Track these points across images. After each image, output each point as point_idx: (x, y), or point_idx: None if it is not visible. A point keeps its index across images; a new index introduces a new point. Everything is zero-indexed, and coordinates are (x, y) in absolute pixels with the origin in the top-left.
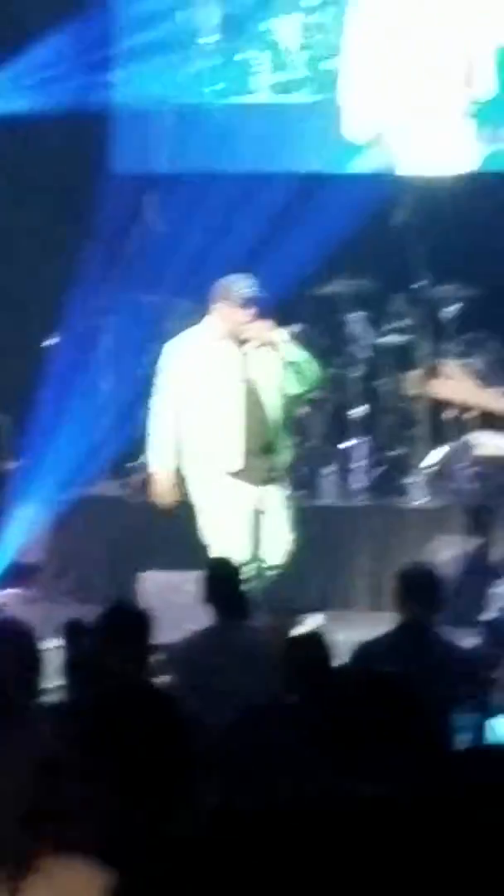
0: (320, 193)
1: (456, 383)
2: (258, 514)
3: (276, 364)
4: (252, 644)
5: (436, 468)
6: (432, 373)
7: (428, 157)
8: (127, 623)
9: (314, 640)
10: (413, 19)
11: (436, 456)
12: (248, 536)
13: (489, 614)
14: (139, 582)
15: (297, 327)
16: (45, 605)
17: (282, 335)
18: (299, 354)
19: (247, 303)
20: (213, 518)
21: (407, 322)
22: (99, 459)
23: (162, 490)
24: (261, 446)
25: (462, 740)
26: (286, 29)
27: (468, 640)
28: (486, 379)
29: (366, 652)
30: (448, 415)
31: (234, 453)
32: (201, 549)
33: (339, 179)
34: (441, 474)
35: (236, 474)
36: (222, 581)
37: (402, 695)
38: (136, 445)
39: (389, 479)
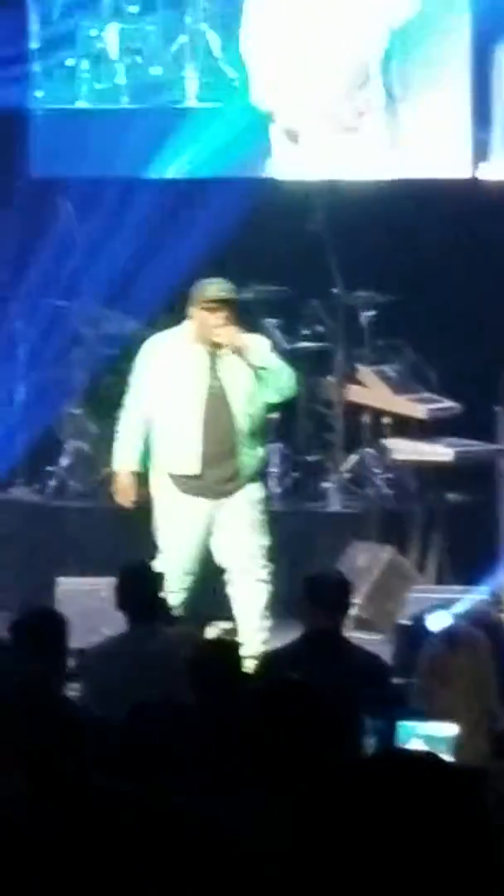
0: (231, 197)
1: (370, 389)
2: (212, 521)
3: (246, 370)
4: (163, 651)
5: (350, 474)
6: (347, 378)
7: (344, 161)
8: (42, 627)
9: (219, 647)
10: (311, 22)
11: (350, 461)
12: (196, 544)
13: (403, 619)
14: (55, 587)
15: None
16: None
17: (255, 340)
18: (271, 361)
19: (216, 306)
20: (164, 522)
21: (322, 328)
22: (11, 464)
23: (121, 489)
24: (220, 452)
25: (370, 745)
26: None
27: (381, 646)
28: (400, 385)
29: (274, 658)
30: (363, 420)
31: (192, 458)
32: (118, 554)
33: (251, 183)
34: (356, 480)
35: (192, 479)
36: (135, 587)
37: (307, 700)
38: (50, 449)
39: (304, 484)
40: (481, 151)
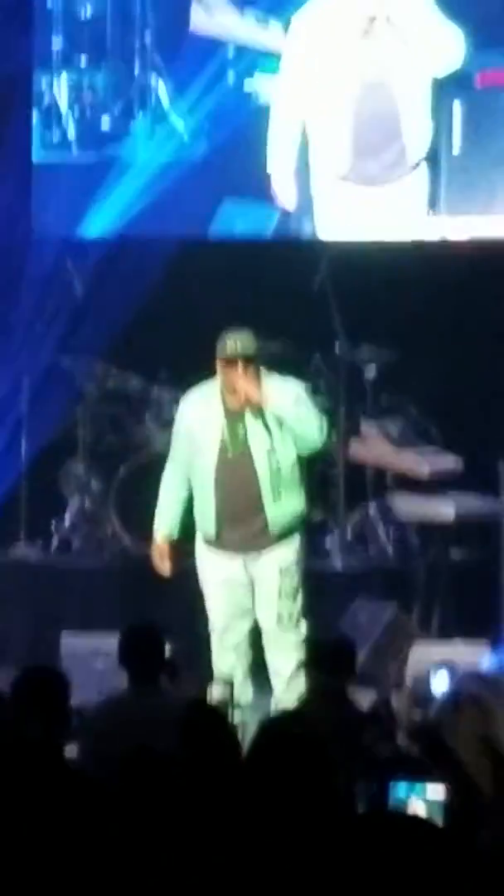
0: (234, 254)
1: (373, 446)
2: (248, 577)
3: (264, 424)
4: (164, 711)
5: (353, 531)
6: (349, 435)
7: (349, 222)
8: (43, 686)
9: (214, 706)
10: (337, 81)
11: (353, 519)
12: (229, 602)
13: (408, 678)
14: (59, 644)
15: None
16: None
17: (279, 390)
18: (288, 412)
19: (233, 359)
20: (202, 582)
21: (324, 384)
22: (14, 522)
23: (156, 556)
24: (240, 511)
25: (367, 803)
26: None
27: (386, 703)
28: (403, 441)
29: (278, 720)
30: (365, 477)
31: (207, 520)
32: (122, 611)
33: (250, 243)
34: (358, 537)
35: (213, 543)
36: (138, 645)
37: (309, 760)
38: (53, 506)
39: (308, 541)
40: None
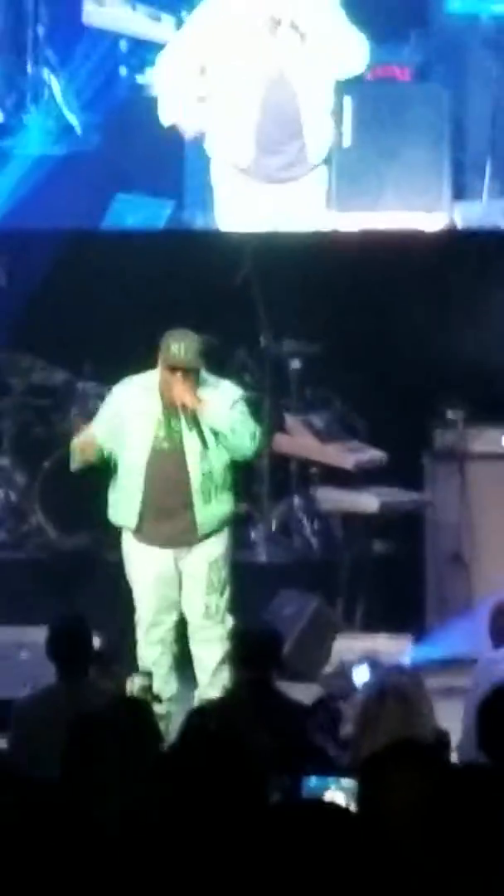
0: (157, 248)
1: (298, 439)
2: (174, 570)
3: (198, 428)
4: (93, 702)
5: (278, 523)
6: (274, 428)
7: (250, 218)
8: None
9: (135, 699)
10: (241, 73)
11: (278, 511)
12: (157, 594)
13: (329, 669)
14: None
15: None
16: None
17: (216, 398)
18: (221, 424)
19: (175, 365)
20: (129, 570)
21: (249, 377)
22: None
23: (83, 444)
24: (169, 507)
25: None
26: None
27: (308, 695)
28: (328, 435)
29: (201, 712)
30: (290, 470)
31: (132, 511)
32: (45, 604)
33: (180, 232)
34: (283, 529)
35: (139, 536)
36: (66, 638)
37: (224, 751)
38: None
39: (233, 533)
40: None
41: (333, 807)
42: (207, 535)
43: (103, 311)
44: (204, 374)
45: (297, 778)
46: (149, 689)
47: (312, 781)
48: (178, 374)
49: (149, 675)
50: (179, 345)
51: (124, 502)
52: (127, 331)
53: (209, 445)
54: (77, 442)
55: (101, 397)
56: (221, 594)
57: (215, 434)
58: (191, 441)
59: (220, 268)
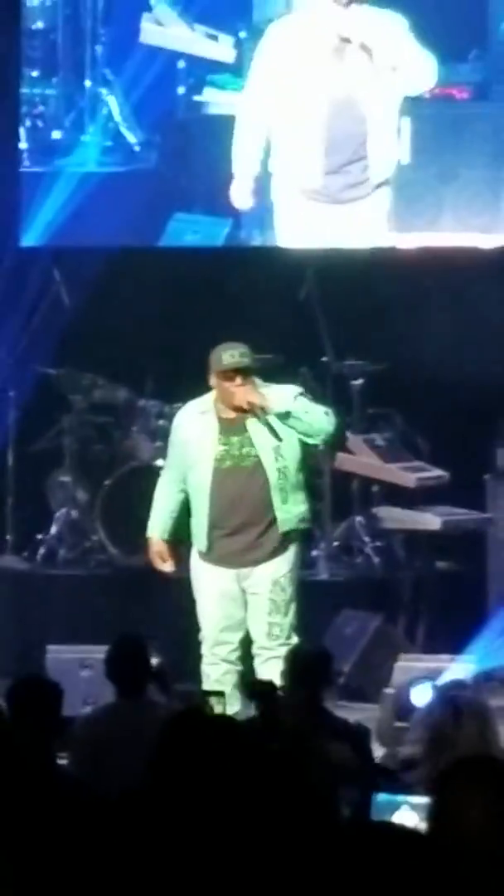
0: (220, 266)
1: (360, 457)
2: (229, 595)
3: (268, 428)
4: (150, 724)
5: (339, 542)
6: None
7: (311, 238)
8: (38, 695)
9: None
10: (307, 97)
11: (340, 529)
12: (222, 615)
13: (391, 689)
14: (45, 655)
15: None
16: None
17: (278, 391)
18: (293, 405)
19: (232, 373)
20: (196, 592)
21: (312, 396)
22: (2, 531)
23: (153, 554)
24: (233, 527)
25: (350, 814)
26: None
27: (369, 715)
28: (390, 454)
29: (254, 730)
30: (352, 489)
31: (201, 534)
32: (107, 622)
33: (243, 252)
34: (345, 548)
35: (207, 556)
36: (124, 658)
37: (289, 771)
38: (40, 517)
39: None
40: None
41: (405, 830)
42: (281, 544)
43: (165, 329)
44: (259, 381)
45: (368, 793)
46: (221, 709)
47: (381, 797)
48: (237, 379)
49: (221, 695)
50: (229, 351)
51: (195, 524)
52: (189, 349)
53: (281, 444)
54: (153, 558)
55: (163, 415)
56: (286, 614)
57: (286, 428)
58: (262, 444)
59: (283, 285)
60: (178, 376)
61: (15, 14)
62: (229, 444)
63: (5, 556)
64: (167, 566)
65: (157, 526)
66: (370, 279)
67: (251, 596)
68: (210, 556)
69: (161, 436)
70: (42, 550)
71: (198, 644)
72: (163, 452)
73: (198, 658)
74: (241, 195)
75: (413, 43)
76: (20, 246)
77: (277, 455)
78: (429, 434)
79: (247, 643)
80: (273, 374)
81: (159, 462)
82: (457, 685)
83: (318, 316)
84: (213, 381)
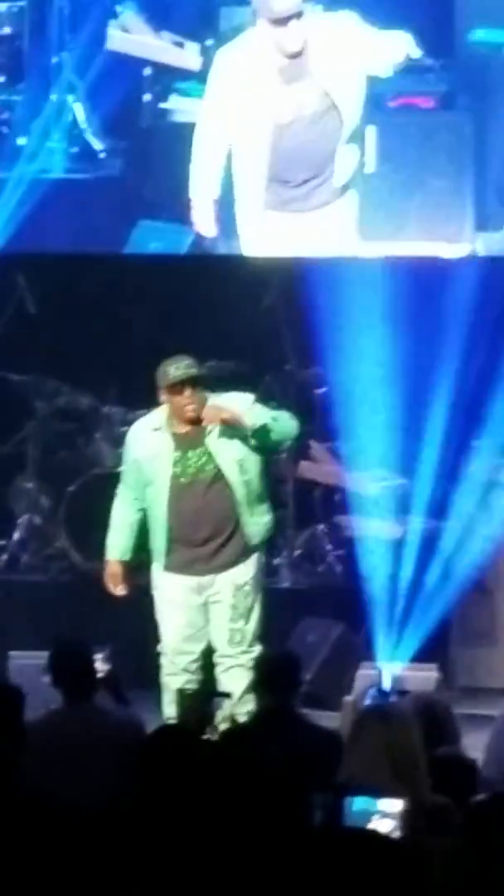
0: (184, 274)
1: (323, 465)
2: (191, 604)
3: (228, 438)
4: (99, 731)
5: (302, 550)
6: (300, 455)
7: (301, 241)
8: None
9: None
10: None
11: (302, 538)
12: (183, 623)
13: (351, 697)
14: (8, 662)
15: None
16: None
17: (236, 402)
18: (261, 416)
19: (180, 386)
20: (157, 601)
21: (274, 403)
22: None
23: (109, 576)
24: (192, 539)
25: (318, 820)
26: None
27: (331, 722)
28: (353, 462)
29: (226, 738)
30: (315, 497)
31: (160, 548)
32: (71, 628)
33: (207, 259)
34: (307, 556)
35: (168, 567)
36: (67, 664)
37: (253, 778)
38: (4, 523)
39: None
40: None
41: (379, 838)
42: (253, 549)
43: (129, 336)
44: (207, 392)
45: (339, 797)
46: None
47: (357, 803)
48: (186, 391)
49: (228, 696)
50: (174, 364)
51: (154, 540)
52: (153, 356)
53: (243, 454)
54: (107, 580)
55: (126, 422)
56: (248, 621)
57: (243, 440)
58: (224, 455)
59: (247, 293)
60: (142, 383)
61: None
62: (185, 458)
63: None
64: (120, 590)
65: (115, 547)
66: (333, 287)
67: (213, 604)
68: (171, 566)
69: (124, 442)
70: (4, 556)
71: (158, 654)
72: None
73: (158, 666)
74: (202, 221)
75: (370, 28)
76: None
77: (241, 468)
78: (391, 443)
79: (207, 654)
80: (237, 382)
81: (122, 468)
82: (382, 692)
83: (282, 324)
84: (163, 396)
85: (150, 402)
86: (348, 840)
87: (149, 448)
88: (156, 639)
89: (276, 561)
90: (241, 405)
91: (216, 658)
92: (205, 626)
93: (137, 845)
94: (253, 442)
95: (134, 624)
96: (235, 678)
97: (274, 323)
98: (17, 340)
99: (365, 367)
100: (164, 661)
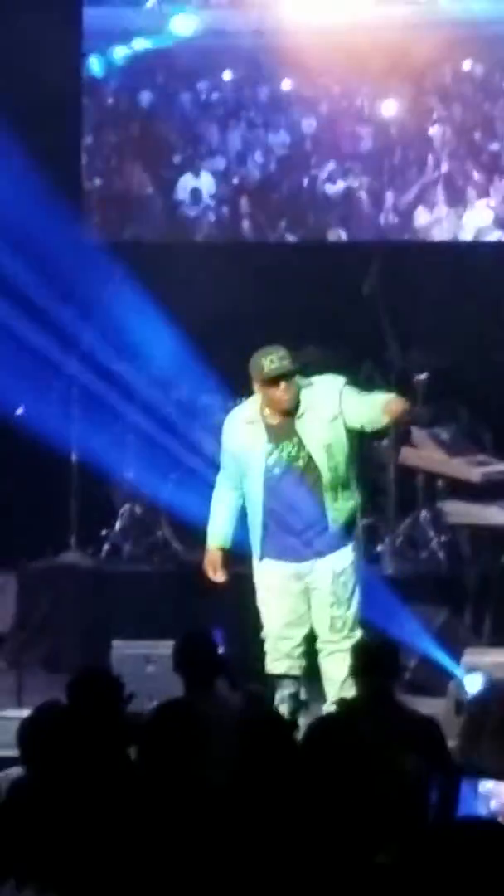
0: (288, 262)
1: (425, 452)
2: (291, 590)
3: (319, 423)
4: (219, 716)
5: (404, 537)
6: (401, 441)
7: (402, 224)
8: (98, 689)
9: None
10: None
11: (404, 524)
12: (279, 614)
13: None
14: (112, 651)
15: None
16: (13, 673)
17: (328, 392)
18: (350, 407)
19: (277, 380)
20: (258, 588)
21: (376, 390)
22: (64, 528)
23: (208, 564)
24: (289, 528)
25: (434, 804)
26: None
27: (434, 709)
28: (455, 448)
29: (325, 724)
30: (417, 483)
31: (257, 538)
32: (172, 617)
33: (306, 245)
34: (410, 543)
35: (269, 553)
36: (192, 650)
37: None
38: (104, 513)
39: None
40: None
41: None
42: (338, 539)
43: (232, 324)
44: (299, 377)
45: (456, 780)
46: (296, 695)
47: (476, 787)
48: (282, 384)
49: (297, 679)
50: (269, 357)
51: (251, 527)
52: (255, 344)
53: (331, 439)
54: (206, 567)
55: (227, 410)
56: (348, 607)
57: (331, 427)
58: (314, 440)
59: (348, 278)
60: (240, 372)
61: None
62: (280, 449)
63: (70, 553)
64: (219, 576)
65: (215, 534)
66: (436, 271)
67: (314, 591)
68: (269, 553)
69: None
70: (106, 546)
71: (262, 641)
72: None
73: (262, 655)
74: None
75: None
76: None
77: (329, 453)
78: (494, 427)
79: (310, 640)
80: (337, 369)
81: (221, 458)
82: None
83: (382, 309)
84: (256, 387)
85: (247, 392)
86: (470, 829)
87: (242, 441)
88: (258, 629)
89: (379, 548)
90: (333, 389)
91: (318, 644)
92: (306, 612)
93: (241, 831)
94: (346, 425)
95: (237, 613)
96: (337, 664)
97: (374, 308)
98: (114, 329)
99: (466, 352)
100: (267, 647)
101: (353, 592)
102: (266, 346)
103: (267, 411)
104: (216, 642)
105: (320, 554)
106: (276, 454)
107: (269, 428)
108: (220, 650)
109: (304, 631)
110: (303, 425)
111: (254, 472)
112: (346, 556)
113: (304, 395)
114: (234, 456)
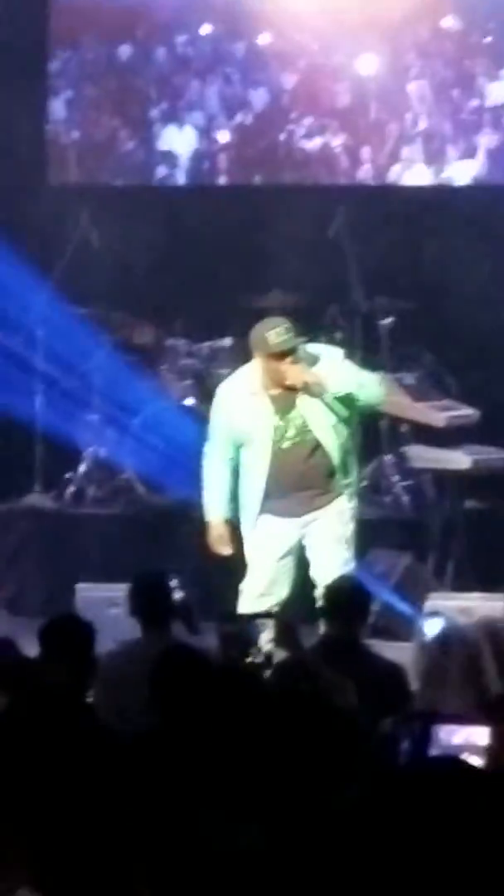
0: (251, 205)
1: (388, 396)
2: (299, 540)
3: (322, 403)
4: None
5: (368, 481)
6: None
7: (365, 170)
8: (70, 635)
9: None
10: None
11: (369, 469)
12: (268, 571)
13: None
14: (74, 594)
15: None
16: None
17: (329, 369)
18: (349, 384)
19: (282, 354)
20: (251, 546)
21: (340, 335)
22: (28, 471)
23: (216, 538)
24: (294, 495)
25: (406, 751)
26: None
27: (398, 653)
28: (419, 393)
29: (289, 666)
30: (381, 428)
31: (253, 511)
32: (136, 560)
33: (271, 190)
34: (374, 487)
35: (269, 510)
36: (148, 593)
37: (317, 710)
38: (68, 456)
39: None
40: None
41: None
42: (343, 492)
43: (193, 267)
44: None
45: (426, 726)
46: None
47: (443, 732)
48: (288, 359)
49: (270, 616)
50: (274, 331)
51: (248, 501)
52: (217, 287)
53: (337, 415)
54: (214, 542)
55: (191, 354)
56: (350, 547)
57: (339, 401)
58: (318, 420)
59: (313, 223)
60: (206, 316)
61: None
62: (286, 421)
63: (33, 496)
64: (227, 549)
65: (217, 507)
66: (403, 217)
67: (319, 536)
68: (269, 510)
69: (189, 375)
70: (70, 489)
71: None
72: (192, 391)
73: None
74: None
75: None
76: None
77: (337, 433)
78: (458, 373)
79: (289, 603)
80: (301, 314)
81: (189, 401)
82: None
83: (348, 254)
84: (258, 358)
85: (214, 334)
86: (441, 770)
87: (247, 413)
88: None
89: None
90: (331, 362)
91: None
92: (294, 573)
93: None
94: (338, 406)
95: (200, 555)
96: None
97: (339, 253)
98: (80, 274)
99: (431, 297)
100: (243, 601)
101: (352, 536)
102: (267, 317)
103: (268, 381)
104: (169, 584)
105: (320, 507)
106: (283, 429)
107: (273, 398)
108: (177, 594)
109: (285, 592)
110: (305, 405)
111: (258, 444)
112: (348, 501)
113: (308, 370)
114: (234, 427)
